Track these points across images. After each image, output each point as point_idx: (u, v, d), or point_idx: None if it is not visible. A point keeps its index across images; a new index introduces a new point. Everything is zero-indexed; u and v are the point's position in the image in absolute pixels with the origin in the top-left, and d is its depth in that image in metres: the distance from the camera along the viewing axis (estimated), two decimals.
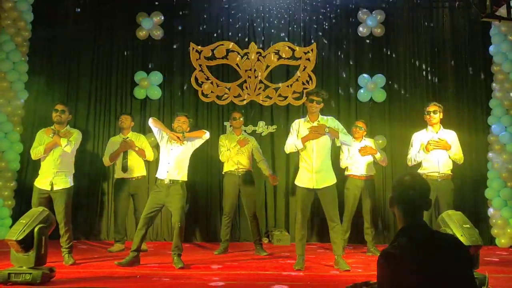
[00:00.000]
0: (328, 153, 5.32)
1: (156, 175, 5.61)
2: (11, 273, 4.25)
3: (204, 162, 7.54)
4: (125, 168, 6.59)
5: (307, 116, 5.37)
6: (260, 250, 6.30)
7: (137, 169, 6.66)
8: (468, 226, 4.34)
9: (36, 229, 4.38)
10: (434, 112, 5.76)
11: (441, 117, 5.79)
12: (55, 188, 5.52)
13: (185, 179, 5.57)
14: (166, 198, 5.43)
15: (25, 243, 4.33)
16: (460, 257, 2.14)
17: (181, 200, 5.41)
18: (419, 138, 5.87)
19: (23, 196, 7.09)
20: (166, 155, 5.55)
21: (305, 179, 5.29)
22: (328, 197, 5.25)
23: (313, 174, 5.23)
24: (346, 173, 6.48)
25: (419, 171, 5.72)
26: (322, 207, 5.33)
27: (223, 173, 6.61)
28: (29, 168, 7.27)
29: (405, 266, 2.06)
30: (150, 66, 7.80)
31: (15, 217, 6.66)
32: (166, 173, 5.46)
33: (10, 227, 5.99)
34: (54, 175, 5.56)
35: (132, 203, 6.67)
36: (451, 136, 5.77)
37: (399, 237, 2.18)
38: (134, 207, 6.66)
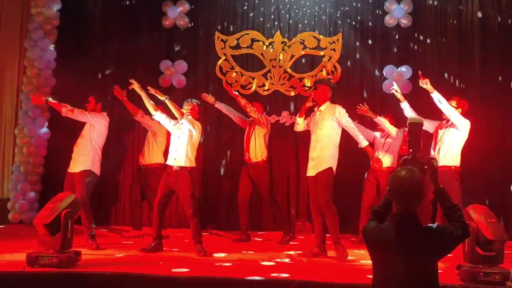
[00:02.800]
0: (328, 142, 5.26)
1: (166, 162, 5.68)
2: (39, 256, 4.36)
3: (226, 151, 7.57)
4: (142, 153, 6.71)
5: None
6: (285, 239, 6.32)
7: (152, 156, 6.64)
8: (493, 220, 4.29)
9: (62, 214, 4.48)
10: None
11: (458, 112, 5.75)
12: (71, 170, 5.70)
13: (193, 165, 5.59)
14: (175, 185, 5.48)
15: (52, 227, 4.44)
16: (431, 251, 2.50)
17: (189, 187, 5.45)
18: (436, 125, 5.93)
19: (50, 181, 7.24)
20: (174, 142, 5.59)
21: (308, 168, 5.38)
22: (321, 180, 5.19)
23: (310, 162, 5.32)
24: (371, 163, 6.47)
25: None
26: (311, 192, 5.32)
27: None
28: (56, 153, 7.40)
29: (379, 245, 2.55)
30: (175, 55, 7.83)
31: (43, 201, 6.80)
32: (173, 160, 5.50)
33: (38, 211, 6.14)
34: (73, 158, 5.72)
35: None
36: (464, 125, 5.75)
37: (386, 221, 2.60)
38: (145, 196, 6.67)
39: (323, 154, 5.24)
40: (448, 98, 5.92)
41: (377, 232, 2.57)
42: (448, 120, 5.82)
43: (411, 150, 2.99)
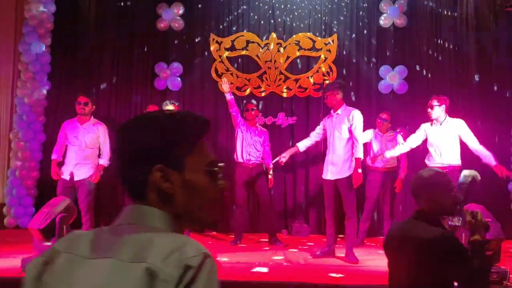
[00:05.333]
0: (344, 146, 5.32)
1: None
2: None
3: (219, 153, 7.55)
4: None
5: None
6: (276, 241, 6.31)
7: None
8: (489, 219, 4.27)
9: (57, 218, 4.45)
10: (431, 107, 5.62)
11: (443, 109, 5.60)
12: (76, 178, 5.62)
13: None
14: None
15: (47, 232, 4.41)
16: (438, 251, 2.31)
17: None
18: (423, 129, 5.78)
19: (46, 186, 7.19)
20: None
21: (325, 171, 5.42)
22: (343, 189, 5.29)
23: (329, 166, 5.35)
24: (368, 164, 6.49)
25: (425, 161, 5.68)
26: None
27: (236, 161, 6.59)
28: (52, 158, 7.36)
29: (388, 243, 2.54)
30: (170, 57, 7.82)
31: (38, 206, 6.77)
32: None
33: (33, 216, 6.11)
34: (73, 167, 5.66)
35: None
36: (456, 126, 5.61)
37: (409, 218, 2.55)
38: None
39: (344, 159, 5.30)
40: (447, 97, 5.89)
41: (391, 230, 2.56)
42: (437, 120, 5.66)
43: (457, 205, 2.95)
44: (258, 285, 4.13)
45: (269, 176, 6.48)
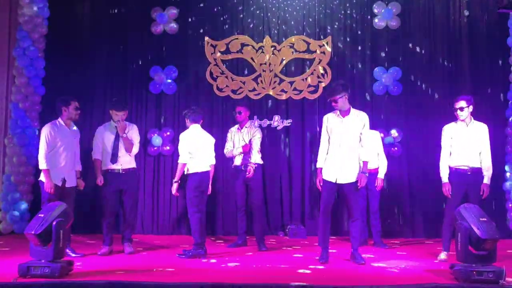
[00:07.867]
0: (355, 148, 5.24)
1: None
2: (31, 266, 4.32)
3: (220, 156, 7.54)
4: (114, 159, 5.99)
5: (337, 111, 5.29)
6: (261, 245, 6.23)
7: (128, 160, 6.07)
8: (485, 219, 4.31)
9: (54, 223, 4.44)
10: (461, 109, 5.48)
11: (471, 110, 5.53)
12: (67, 185, 5.64)
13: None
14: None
15: (44, 237, 4.40)
16: None
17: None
18: (448, 133, 5.64)
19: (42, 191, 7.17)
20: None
21: (329, 173, 5.25)
22: (352, 191, 5.23)
23: (340, 170, 5.20)
24: None
25: (449, 164, 5.59)
26: (345, 201, 5.32)
27: (232, 166, 6.60)
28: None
29: None
30: (165, 61, 7.82)
31: (34, 211, 6.75)
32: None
33: (29, 221, 6.09)
34: (66, 172, 5.65)
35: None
36: (481, 130, 5.59)
37: None
38: (122, 202, 6.07)
39: (354, 164, 5.24)
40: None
41: None
42: (463, 120, 5.56)
43: None
44: (258, 287, 4.13)
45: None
